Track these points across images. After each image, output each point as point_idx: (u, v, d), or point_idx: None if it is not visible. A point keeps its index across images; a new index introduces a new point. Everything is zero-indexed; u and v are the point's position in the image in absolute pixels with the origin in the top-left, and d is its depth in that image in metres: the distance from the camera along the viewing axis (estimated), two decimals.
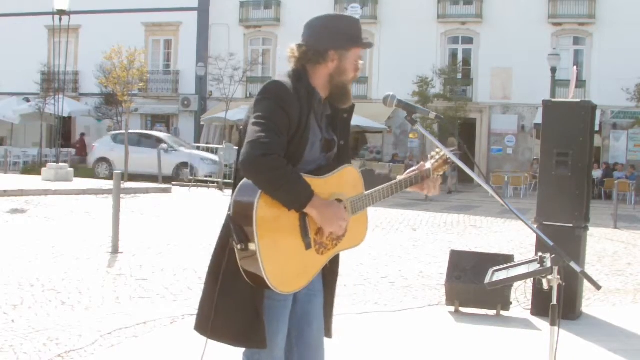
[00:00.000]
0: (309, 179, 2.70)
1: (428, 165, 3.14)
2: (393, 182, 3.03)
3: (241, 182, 2.71)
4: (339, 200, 2.83)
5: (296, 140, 2.75)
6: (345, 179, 2.90)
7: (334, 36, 2.84)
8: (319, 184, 2.75)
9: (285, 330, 2.89)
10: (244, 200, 2.66)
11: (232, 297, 2.78)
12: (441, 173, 3.17)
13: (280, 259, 2.66)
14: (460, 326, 6.07)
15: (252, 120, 2.69)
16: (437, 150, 3.16)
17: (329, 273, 3.05)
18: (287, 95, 2.73)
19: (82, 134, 34.10)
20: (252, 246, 2.60)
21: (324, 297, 3.06)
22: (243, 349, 2.91)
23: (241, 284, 2.73)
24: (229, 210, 2.74)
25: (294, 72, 2.85)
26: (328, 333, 3.10)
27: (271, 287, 2.64)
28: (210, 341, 2.85)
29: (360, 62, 2.92)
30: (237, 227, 2.65)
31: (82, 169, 26.18)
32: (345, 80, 2.88)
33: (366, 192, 2.94)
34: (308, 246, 2.73)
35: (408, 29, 30.58)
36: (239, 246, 2.64)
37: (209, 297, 2.84)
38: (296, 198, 2.64)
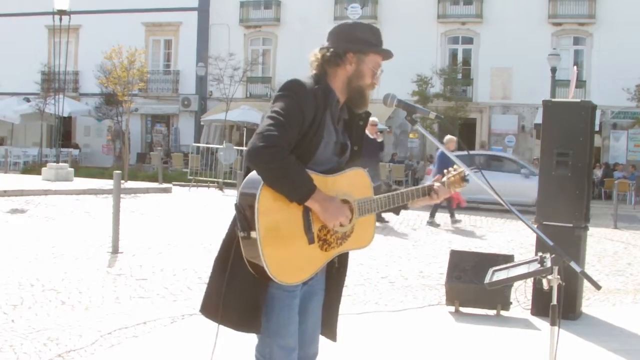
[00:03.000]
0: (315, 175, 2.75)
1: (444, 179, 3.15)
2: (403, 190, 3.07)
3: (248, 175, 2.78)
4: (346, 201, 2.86)
5: (310, 136, 2.81)
6: (353, 181, 2.93)
7: (352, 40, 2.92)
8: (325, 182, 2.79)
9: (297, 319, 2.91)
10: (248, 191, 2.72)
11: (238, 283, 2.83)
12: (458, 190, 3.18)
13: (281, 249, 2.70)
14: (460, 326, 6.07)
15: (267, 115, 2.76)
16: (455, 166, 3.16)
17: (336, 273, 3.06)
18: (303, 91, 2.80)
19: (118, 132, 34.14)
20: (253, 234, 2.66)
21: (330, 298, 3.08)
22: (254, 345, 2.94)
23: (247, 271, 2.79)
24: (236, 200, 2.81)
25: (314, 75, 2.93)
26: (333, 336, 3.12)
27: (270, 276, 2.69)
28: (220, 336, 2.87)
29: (380, 70, 2.95)
30: (241, 215, 2.71)
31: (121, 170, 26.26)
32: (362, 84, 2.93)
33: (374, 197, 2.97)
34: (311, 241, 2.77)
35: (408, 29, 30.56)
36: (241, 234, 2.71)
37: (216, 282, 2.90)
38: (297, 189, 2.68)
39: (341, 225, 2.82)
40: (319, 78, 2.90)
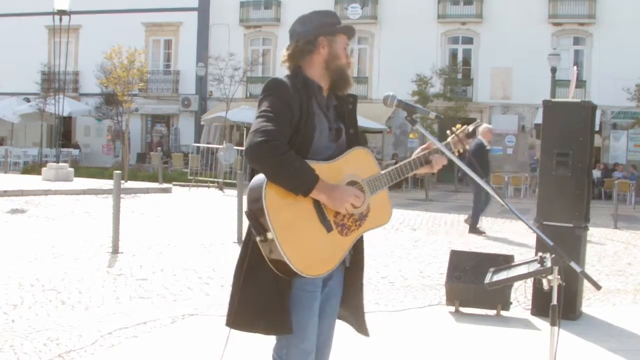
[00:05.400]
0: (316, 164, 2.75)
1: (449, 139, 3.17)
2: (408, 160, 3.09)
3: (252, 179, 2.78)
4: (354, 182, 2.86)
5: (302, 128, 2.82)
6: (357, 161, 2.94)
7: (319, 24, 2.98)
8: (328, 168, 2.80)
9: (316, 321, 2.90)
10: (254, 193, 2.72)
11: (256, 288, 2.81)
12: (461, 150, 3.18)
13: (301, 243, 2.69)
14: (460, 326, 6.07)
15: (256, 115, 2.79)
16: (457, 126, 3.20)
17: (352, 269, 3.05)
18: (284, 86, 2.85)
19: (161, 137, 34.05)
20: (269, 235, 2.65)
21: (351, 297, 3.07)
22: (272, 347, 2.93)
23: (264, 275, 2.77)
24: (245, 208, 2.80)
25: (290, 73, 2.97)
26: (365, 332, 3.13)
27: (297, 272, 2.67)
28: (231, 338, 2.85)
29: (349, 49, 3.04)
30: (253, 219, 2.71)
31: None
32: (340, 64, 2.98)
33: (382, 172, 2.98)
34: (329, 229, 2.77)
35: (408, 29, 30.58)
36: (258, 238, 2.69)
37: (234, 290, 2.88)
38: (300, 183, 2.68)
39: (354, 206, 2.82)
40: (295, 73, 2.95)
